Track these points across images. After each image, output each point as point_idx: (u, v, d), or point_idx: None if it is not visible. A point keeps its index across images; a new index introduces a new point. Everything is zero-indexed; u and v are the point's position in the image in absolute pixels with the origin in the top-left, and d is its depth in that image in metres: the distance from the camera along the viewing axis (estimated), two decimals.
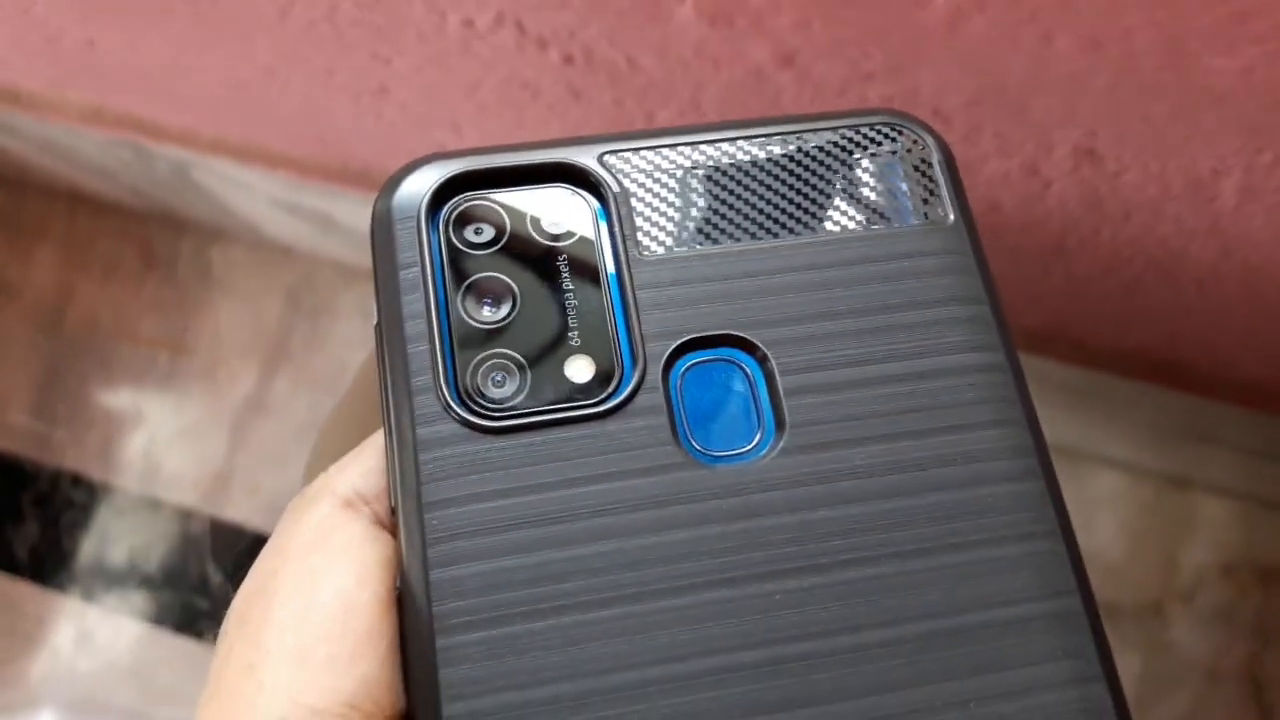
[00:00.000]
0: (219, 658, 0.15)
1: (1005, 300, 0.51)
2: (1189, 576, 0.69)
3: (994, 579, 0.15)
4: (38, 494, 0.78)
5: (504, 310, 0.16)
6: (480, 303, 0.16)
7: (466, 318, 0.16)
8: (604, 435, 0.15)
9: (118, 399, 0.79)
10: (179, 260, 0.80)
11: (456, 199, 0.17)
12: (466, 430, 0.15)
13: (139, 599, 0.75)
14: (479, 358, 0.16)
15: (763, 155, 0.17)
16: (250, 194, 0.64)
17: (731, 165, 0.17)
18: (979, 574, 0.15)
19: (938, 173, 0.17)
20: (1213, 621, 0.69)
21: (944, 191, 0.17)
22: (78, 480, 0.78)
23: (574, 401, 0.16)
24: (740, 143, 0.17)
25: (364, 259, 0.62)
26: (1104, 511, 0.71)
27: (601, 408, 0.15)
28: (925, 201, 0.17)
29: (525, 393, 0.16)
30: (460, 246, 0.17)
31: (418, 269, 0.16)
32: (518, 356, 0.16)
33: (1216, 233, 0.36)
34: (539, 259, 0.17)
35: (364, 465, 0.16)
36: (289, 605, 0.14)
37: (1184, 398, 0.52)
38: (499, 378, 0.16)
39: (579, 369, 0.16)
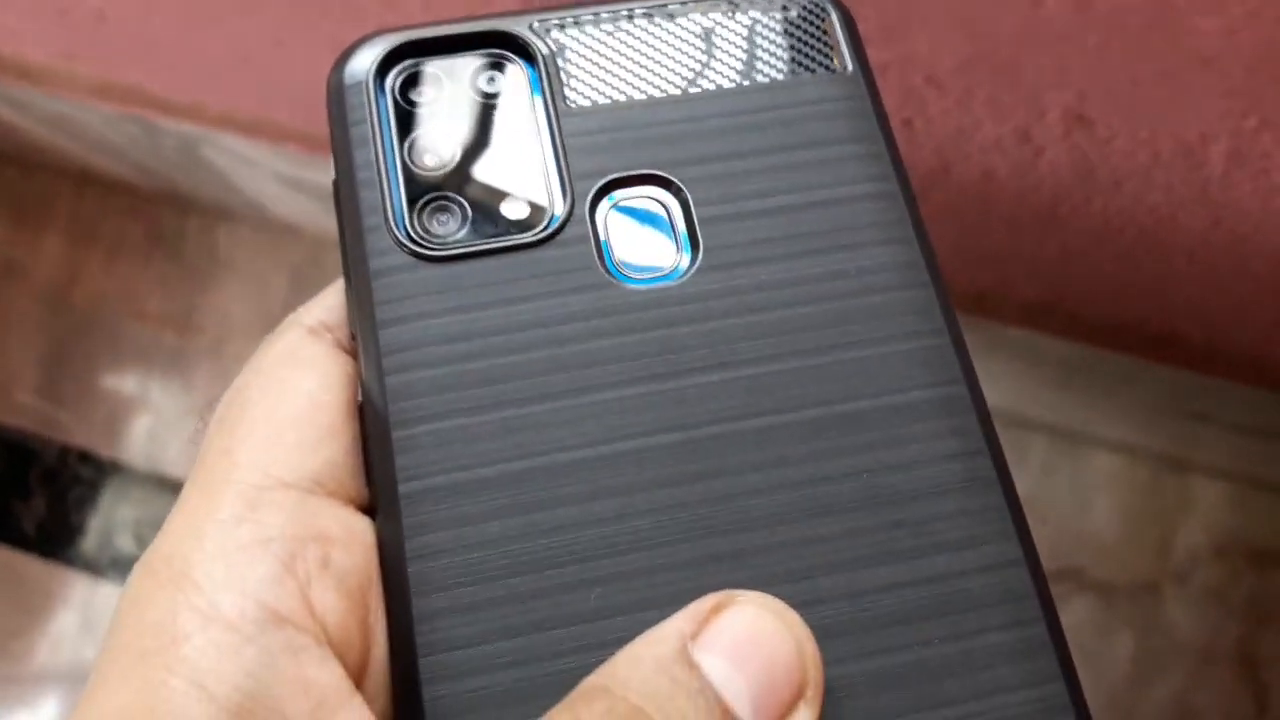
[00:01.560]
0: (200, 452, 0.17)
1: (1005, 271, 0.52)
2: (1183, 557, 0.70)
3: (886, 371, 0.17)
4: (45, 470, 0.79)
5: (446, 159, 0.18)
6: (425, 153, 0.18)
7: (413, 166, 0.18)
8: (536, 261, 0.17)
9: (124, 377, 0.80)
10: (185, 239, 0.81)
11: (401, 65, 0.19)
12: (414, 260, 0.17)
13: None
14: (425, 200, 0.18)
15: (677, 19, 0.19)
16: (256, 171, 0.65)
17: (649, 28, 0.19)
18: (872, 367, 0.17)
19: (837, 31, 0.20)
20: (1207, 602, 0.69)
21: (843, 47, 0.19)
22: (85, 456, 0.79)
23: (510, 234, 0.18)
24: (656, 9, 0.19)
25: None
26: (1100, 493, 0.71)
27: (534, 239, 0.17)
28: (825, 55, 0.19)
29: (467, 229, 0.18)
30: (406, 106, 0.19)
31: (367, 126, 0.18)
32: (459, 198, 0.18)
33: (1205, 201, 0.37)
34: (477, 114, 0.19)
35: (327, 302, 0.18)
36: (261, 403, 0.16)
37: (1179, 373, 0.53)
38: (443, 217, 0.18)
39: (514, 208, 0.18)
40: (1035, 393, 0.65)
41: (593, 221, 0.18)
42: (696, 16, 0.19)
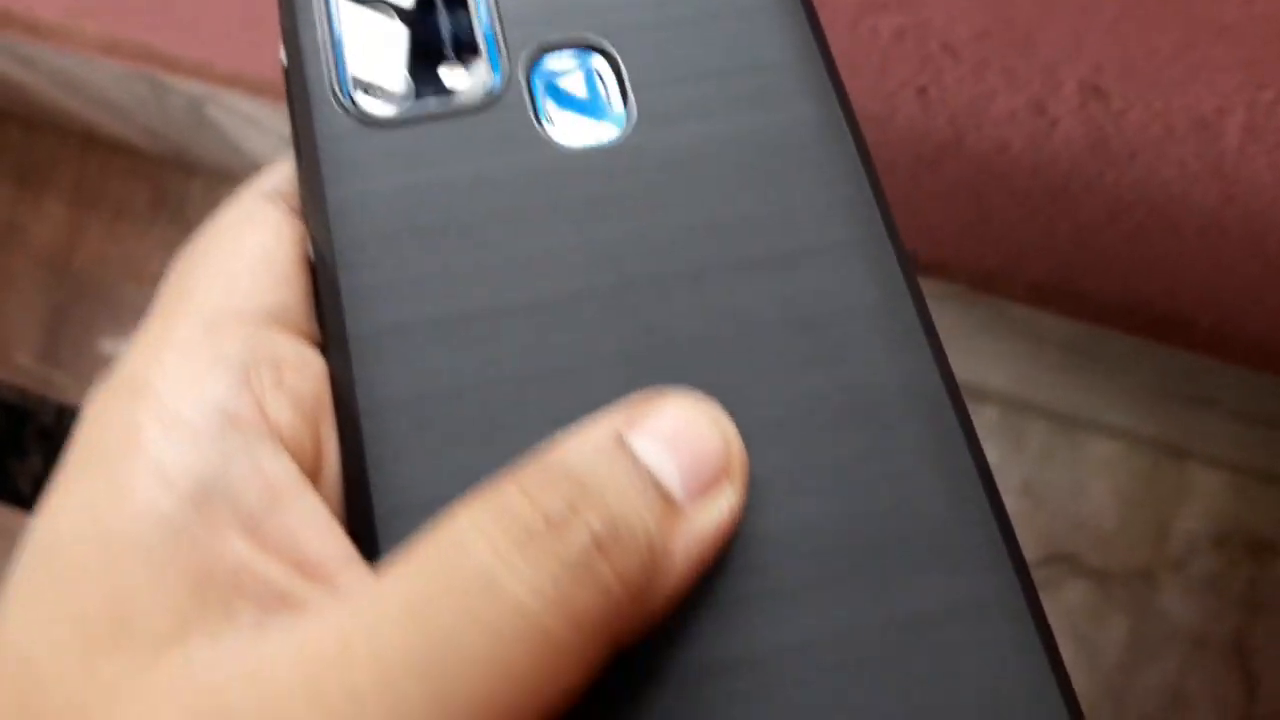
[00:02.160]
0: (158, 301, 0.17)
1: (1016, 248, 0.51)
2: (1181, 545, 0.70)
3: (807, 214, 0.18)
4: (41, 427, 0.79)
5: (388, 34, 0.19)
6: (368, 30, 0.19)
7: (357, 43, 0.19)
8: (476, 124, 0.18)
9: (122, 340, 0.79)
10: (189, 203, 0.81)
11: None
12: (359, 125, 0.18)
13: None
14: (369, 72, 0.19)
15: None
16: (262, 132, 0.65)
17: None
18: (795, 210, 0.18)
19: None
20: (1203, 590, 0.69)
21: None
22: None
23: (450, 100, 0.19)
24: None
25: None
26: (1099, 478, 0.71)
27: (474, 104, 0.19)
28: None
29: (409, 97, 0.19)
30: None
31: (313, 10, 0.19)
32: (401, 70, 0.19)
33: (1219, 176, 0.37)
34: None
35: (280, 173, 0.19)
36: (218, 255, 0.17)
37: (1183, 357, 0.53)
38: (387, 88, 0.19)
39: (454, 76, 0.19)
40: (1037, 376, 0.65)
41: (530, 88, 0.19)
42: None
